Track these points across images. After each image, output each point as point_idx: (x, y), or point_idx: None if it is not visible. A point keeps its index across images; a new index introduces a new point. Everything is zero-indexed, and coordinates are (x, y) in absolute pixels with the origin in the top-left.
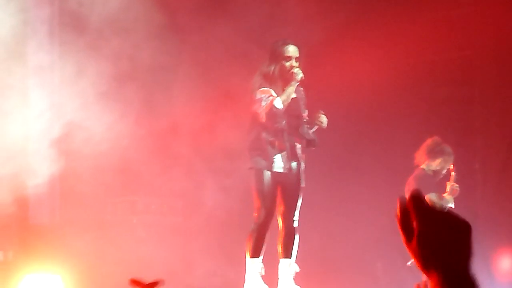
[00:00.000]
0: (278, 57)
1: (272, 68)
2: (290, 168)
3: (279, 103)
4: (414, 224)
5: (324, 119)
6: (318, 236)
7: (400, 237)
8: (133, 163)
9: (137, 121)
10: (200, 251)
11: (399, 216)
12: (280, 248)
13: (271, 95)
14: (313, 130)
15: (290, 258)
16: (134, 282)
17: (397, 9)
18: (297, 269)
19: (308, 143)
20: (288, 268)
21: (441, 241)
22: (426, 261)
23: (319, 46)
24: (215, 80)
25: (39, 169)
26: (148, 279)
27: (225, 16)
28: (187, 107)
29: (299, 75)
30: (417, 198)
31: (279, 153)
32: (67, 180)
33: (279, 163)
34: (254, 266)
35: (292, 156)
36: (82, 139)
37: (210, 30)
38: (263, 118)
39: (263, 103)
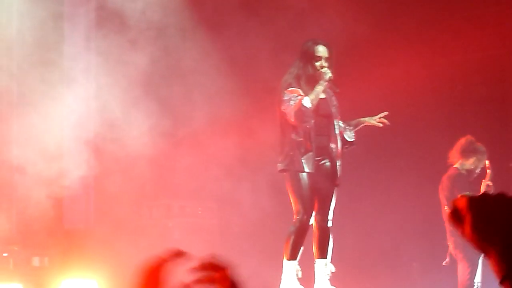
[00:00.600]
0: (308, 57)
1: (302, 67)
2: (319, 168)
3: (307, 102)
4: (465, 212)
5: (384, 119)
6: (354, 236)
7: (435, 237)
8: (168, 166)
9: (173, 124)
10: (236, 253)
11: (451, 212)
12: (315, 249)
13: (300, 95)
14: (355, 130)
15: (326, 258)
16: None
17: (427, 9)
18: (333, 269)
19: (347, 143)
20: (324, 268)
21: (492, 222)
22: (482, 243)
23: (353, 46)
24: (251, 81)
25: (74, 173)
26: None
27: (259, 17)
28: (223, 108)
29: (328, 74)
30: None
31: (308, 153)
32: (101, 184)
33: (308, 164)
34: (291, 268)
35: (320, 155)
36: (116, 143)
37: (245, 30)
38: (291, 117)
39: (292, 103)
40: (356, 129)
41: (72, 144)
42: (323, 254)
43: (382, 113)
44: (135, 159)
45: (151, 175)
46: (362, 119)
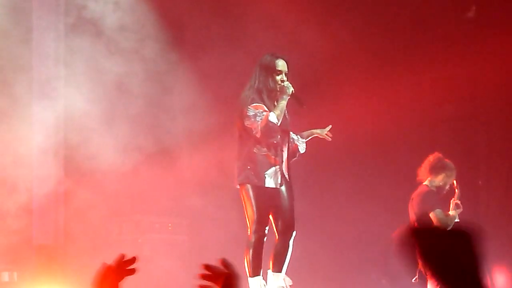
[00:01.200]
0: (269, 71)
1: (263, 81)
2: (282, 183)
3: (274, 118)
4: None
5: (328, 134)
6: (321, 251)
7: (405, 253)
8: (138, 181)
9: (144, 138)
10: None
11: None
12: (271, 261)
13: (264, 110)
14: (306, 141)
15: (281, 272)
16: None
17: (397, 29)
18: (290, 282)
19: (294, 156)
20: (277, 281)
21: (443, 257)
22: (433, 275)
23: (324, 62)
24: (224, 96)
25: (43, 187)
26: None
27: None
28: (196, 123)
29: (290, 88)
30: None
31: (271, 168)
32: (71, 198)
33: (271, 178)
34: (257, 284)
35: (285, 170)
36: (87, 157)
37: (218, 45)
38: (257, 133)
39: (258, 119)
40: (307, 140)
41: (41, 157)
42: (279, 268)
43: (328, 127)
44: (106, 173)
45: (121, 190)
46: (314, 130)
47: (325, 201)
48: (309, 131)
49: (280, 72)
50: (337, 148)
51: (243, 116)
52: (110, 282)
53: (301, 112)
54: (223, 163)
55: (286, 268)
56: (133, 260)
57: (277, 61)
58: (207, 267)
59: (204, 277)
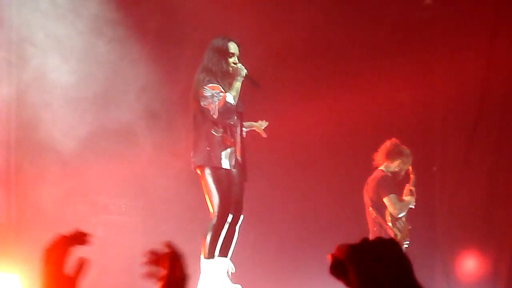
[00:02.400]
0: (222, 53)
1: (216, 64)
2: (236, 165)
3: (231, 99)
4: (346, 264)
5: (263, 128)
6: (265, 243)
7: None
8: (93, 162)
9: (98, 120)
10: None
11: (332, 264)
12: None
13: (221, 91)
14: (245, 130)
15: (227, 257)
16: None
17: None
18: (233, 269)
19: None
20: (224, 267)
21: (375, 272)
22: None
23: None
24: (178, 72)
25: None
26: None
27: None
28: (151, 103)
29: (244, 70)
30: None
31: (227, 149)
32: (24, 178)
33: (227, 160)
34: (212, 266)
35: (240, 152)
36: (38, 138)
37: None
38: (215, 114)
39: (215, 99)
40: (246, 130)
41: None
42: (225, 253)
43: (266, 123)
44: (59, 153)
45: (75, 171)
46: (253, 123)
47: (274, 194)
48: (249, 122)
49: (233, 54)
50: (287, 141)
51: (198, 96)
52: (61, 249)
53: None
54: (177, 144)
55: (231, 253)
56: (86, 234)
57: (229, 43)
58: (151, 252)
59: (148, 262)
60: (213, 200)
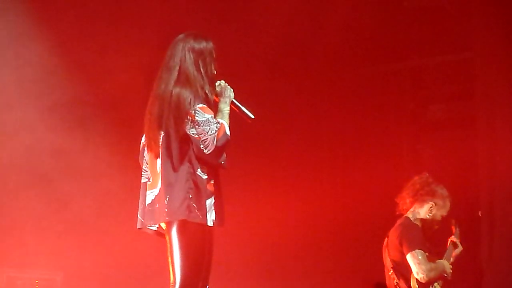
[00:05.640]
0: (211, 59)
1: (206, 74)
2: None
3: (228, 130)
4: None
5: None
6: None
7: None
8: None
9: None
10: None
11: None
12: None
13: (217, 120)
14: None
15: None
16: None
17: None
18: None
19: None
20: None
21: None
22: None
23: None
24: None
25: None
26: None
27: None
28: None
29: (232, 92)
30: None
31: (210, 199)
32: None
33: (218, 215)
34: None
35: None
36: None
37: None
38: (210, 149)
39: (213, 128)
40: None
41: None
42: None
43: None
44: None
45: None
46: None
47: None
48: None
49: (215, 60)
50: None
51: (185, 121)
52: None
53: None
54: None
55: None
56: None
57: (211, 43)
58: None
59: None
60: (182, 265)
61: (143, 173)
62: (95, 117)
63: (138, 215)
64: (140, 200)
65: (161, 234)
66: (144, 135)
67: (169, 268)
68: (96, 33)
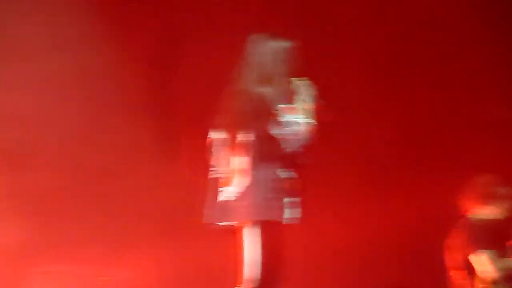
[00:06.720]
0: (288, 57)
1: (284, 73)
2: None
3: (309, 131)
4: None
5: None
6: None
7: None
8: None
9: None
10: None
11: None
12: None
13: (299, 120)
14: None
15: None
16: None
17: None
18: None
19: None
20: None
21: None
22: None
23: None
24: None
25: None
26: None
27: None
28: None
29: (312, 90)
30: None
31: (288, 198)
32: None
33: (290, 212)
34: None
35: None
36: None
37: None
38: (291, 150)
39: (295, 128)
40: None
41: None
42: None
43: None
44: None
45: None
46: None
47: None
48: None
49: None
50: None
51: (267, 119)
52: None
53: None
54: None
55: None
56: None
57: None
58: None
59: None
60: (261, 263)
61: (212, 168)
62: None
63: (207, 210)
64: (208, 196)
65: (230, 232)
66: (211, 131)
67: (237, 266)
68: None
